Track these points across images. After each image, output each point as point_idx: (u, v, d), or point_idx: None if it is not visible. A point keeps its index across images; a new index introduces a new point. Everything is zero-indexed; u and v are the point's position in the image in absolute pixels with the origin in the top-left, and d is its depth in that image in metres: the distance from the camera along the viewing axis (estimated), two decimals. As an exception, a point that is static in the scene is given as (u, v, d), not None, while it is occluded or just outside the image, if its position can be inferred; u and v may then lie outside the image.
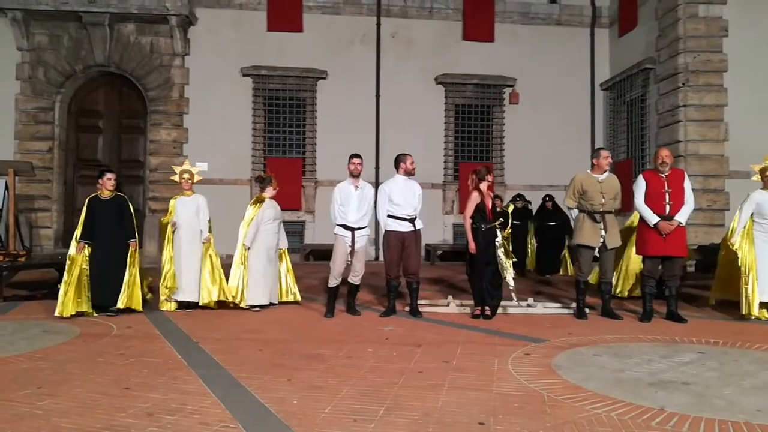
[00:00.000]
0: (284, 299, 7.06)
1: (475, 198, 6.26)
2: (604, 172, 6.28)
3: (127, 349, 4.79)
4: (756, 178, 6.51)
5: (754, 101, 11.00)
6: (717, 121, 11.25)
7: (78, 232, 6.43)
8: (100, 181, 6.59)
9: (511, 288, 6.15)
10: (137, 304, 6.43)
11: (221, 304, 6.71)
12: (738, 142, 10.74)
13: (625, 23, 13.42)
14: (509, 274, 6.13)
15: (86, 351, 4.73)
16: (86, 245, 6.34)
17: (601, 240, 6.17)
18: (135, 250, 6.49)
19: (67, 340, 5.17)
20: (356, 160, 6.51)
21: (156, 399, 3.44)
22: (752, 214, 6.31)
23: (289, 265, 7.19)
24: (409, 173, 6.47)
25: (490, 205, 6.27)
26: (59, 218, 12.88)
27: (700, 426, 3.03)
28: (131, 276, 6.38)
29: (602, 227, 6.15)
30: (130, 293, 6.36)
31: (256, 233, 6.75)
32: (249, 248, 6.73)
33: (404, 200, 6.36)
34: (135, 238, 6.52)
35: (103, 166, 6.80)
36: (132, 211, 6.63)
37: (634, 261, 7.23)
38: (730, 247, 6.33)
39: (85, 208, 6.50)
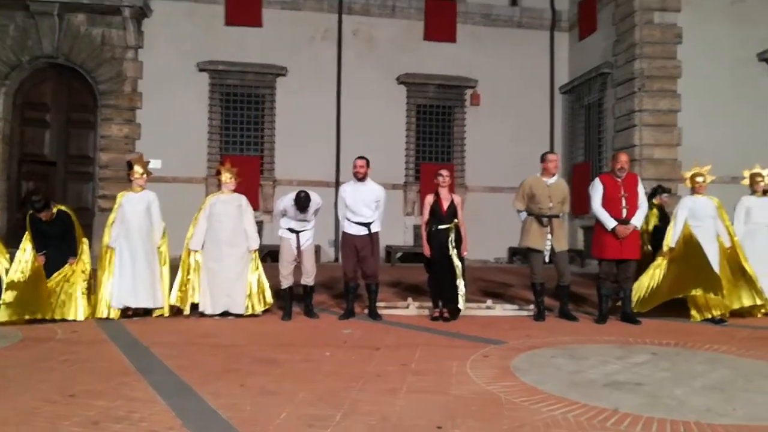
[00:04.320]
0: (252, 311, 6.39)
1: (428, 201, 6.31)
2: (553, 175, 6.34)
3: (72, 354, 4.59)
4: (687, 184, 6.75)
5: (706, 107, 11.38)
6: (671, 126, 11.59)
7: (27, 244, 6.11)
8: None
9: (459, 305, 6.20)
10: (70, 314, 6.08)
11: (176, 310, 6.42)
12: (690, 147, 11.07)
13: (585, 28, 13.70)
14: (461, 295, 6.16)
15: (28, 356, 4.52)
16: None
17: (548, 244, 6.22)
18: (71, 265, 6.18)
19: (9, 344, 4.91)
20: (303, 214, 6.16)
21: (102, 406, 3.29)
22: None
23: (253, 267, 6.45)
24: (356, 177, 6.38)
25: (446, 206, 6.23)
26: (3, 215, 12.29)
27: (652, 426, 3.06)
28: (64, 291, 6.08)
29: (549, 231, 6.21)
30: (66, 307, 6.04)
31: (204, 233, 6.37)
32: (195, 251, 6.37)
33: (357, 208, 6.30)
34: (75, 256, 6.22)
35: (34, 203, 6.24)
36: (75, 227, 6.33)
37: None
38: (665, 249, 6.48)
39: (28, 225, 6.18)
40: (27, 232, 6.14)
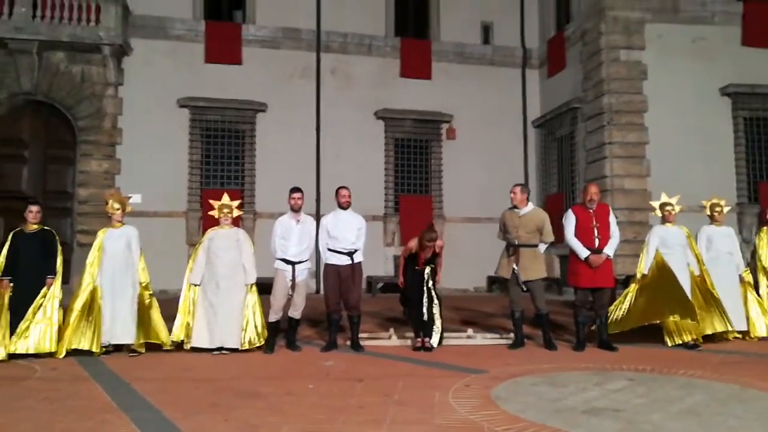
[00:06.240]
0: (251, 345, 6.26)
1: (411, 246, 6.46)
2: (526, 206, 6.46)
3: (51, 392, 4.50)
4: (656, 213, 7.00)
5: (673, 140, 11.81)
6: (640, 158, 11.98)
7: None
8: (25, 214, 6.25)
9: (433, 342, 6.31)
10: (50, 345, 5.91)
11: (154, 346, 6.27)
12: (659, 178, 11.42)
13: (554, 65, 14.19)
14: (435, 334, 6.30)
15: (4, 395, 4.42)
16: (9, 282, 5.95)
17: (513, 272, 6.34)
18: (49, 287, 6.05)
19: (-16, 384, 4.82)
20: (296, 195, 6.46)
21: (83, 445, 3.26)
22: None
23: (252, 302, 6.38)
24: (342, 206, 6.50)
25: (424, 257, 6.37)
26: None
27: (631, 451, 3.14)
28: (44, 316, 5.94)
29: (514, 260, 6.35)
30: (42, 334, 5.88)
31: (203, 267, 6.32)
32: (196, 285, 6.31)
33: (340, 234, 6.38)
34: (54, 275, 6.10)
35: (29, 198, 6.19)
36: (57, 247, 6.23)
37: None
38: (638, 277, 6.72)
39: (7, 243, 6.13)
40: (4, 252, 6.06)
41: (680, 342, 6.40)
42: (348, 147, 13.58)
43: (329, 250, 6.43)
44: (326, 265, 6.47)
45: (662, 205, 6.89)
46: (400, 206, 13.93)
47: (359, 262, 6.46)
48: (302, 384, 4.76)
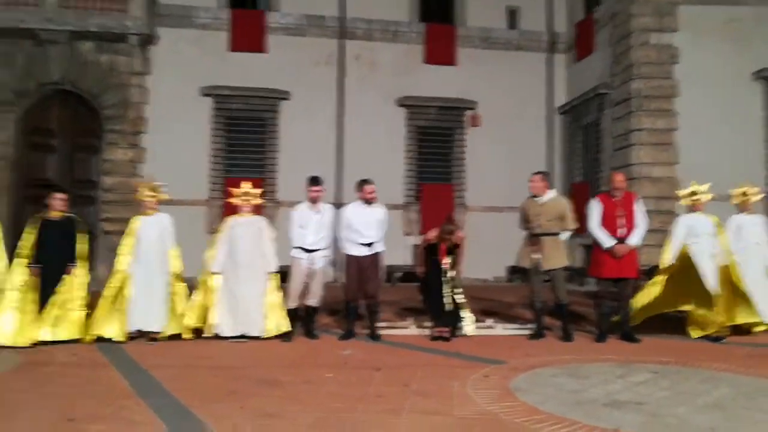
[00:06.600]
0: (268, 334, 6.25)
1: (430, 237, 6.46)
2: (546, 194, 6.37)
3: (72, 377, 4.60)
4: (684, 202, 6.81)
5: (703, 126, 11.43)
6: (668, 145, 11.64)
7: (22, 253, 6.14)
8: (47, 201, 6.30)
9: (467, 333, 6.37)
10: (76, 332, 6.01)
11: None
12: (688, 165, 11.09)
13: (582, 49, 13.85)
14: (470, 323, 6.35)
15: (28, 380, 4.54)
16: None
17: (535, 261, 6.25)
18: (70, 274, 6.10)
19: (7, 369, 4.91)
20: (315, 188, 6.42)
21: (102, 430, 3.30)
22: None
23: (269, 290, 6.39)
24: (366, 201, 6.47)
25: (445, 247, 6.34)
26: (7, 238, 12.31)
27: (653, 446, 3.07)
28: (68, 303, 6.02)
29: (536, 250, 6.25)
30: (67, 322, 5.96)
31: (225, 255, 6.36)
32: (216, 273, 6.35)
33: (362, 227, 6.37)
34: (75, 262, 6.16)
35: (55, 186, 6.25)
36: (77, 234, 6.30)
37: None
38: (662, 267, 6.57)
39: (35, 230, 6.23)
40: (29, 240, 6.14)
41: (705, 334, 6.24)
42: (370, 135, 13.49)
43: (350, 240, 6.42)
44: (347, 255, 6.48)
45: (690, 194, 6.72)
46: (422, 195, 13.84)
47: (378, 252, 6.45)
48: (320, 372, 4.78)
